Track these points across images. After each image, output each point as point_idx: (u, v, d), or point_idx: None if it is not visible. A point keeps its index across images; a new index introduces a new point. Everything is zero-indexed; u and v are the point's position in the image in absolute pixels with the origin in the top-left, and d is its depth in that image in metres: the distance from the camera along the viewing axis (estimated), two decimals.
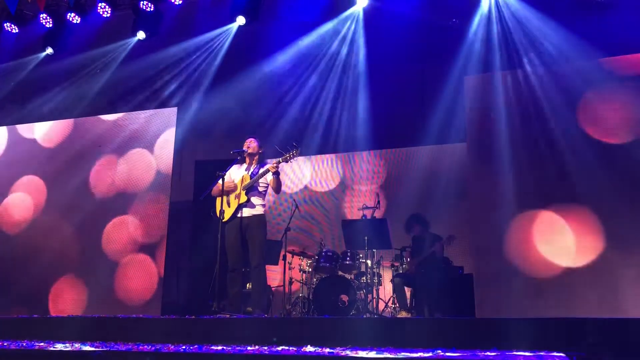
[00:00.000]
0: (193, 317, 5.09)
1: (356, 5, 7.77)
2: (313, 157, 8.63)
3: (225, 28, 8.24)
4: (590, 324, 3.92)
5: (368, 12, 7.84)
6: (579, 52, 6.32)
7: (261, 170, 5.63)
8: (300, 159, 8.28)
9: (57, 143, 8.40)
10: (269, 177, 5.61)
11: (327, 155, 8.65)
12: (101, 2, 7.93)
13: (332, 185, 8.57)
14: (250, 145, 5.80)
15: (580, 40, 6.36)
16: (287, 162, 5.62)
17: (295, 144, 5.57)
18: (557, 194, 6.11)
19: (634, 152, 5.87)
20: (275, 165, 5.51)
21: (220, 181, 5.62)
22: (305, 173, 8.68)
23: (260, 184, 5.69)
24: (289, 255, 7.32)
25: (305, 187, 8.66)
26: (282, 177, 5.76)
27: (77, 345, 4.40)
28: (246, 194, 5.60)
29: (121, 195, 7.88)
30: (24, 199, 8.37)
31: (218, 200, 5.72)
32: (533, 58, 6.71)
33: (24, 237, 8.21)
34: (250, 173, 5.69)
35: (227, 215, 5.62)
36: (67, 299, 7.72)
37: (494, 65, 6.94)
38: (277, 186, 5.63)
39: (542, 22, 6.83)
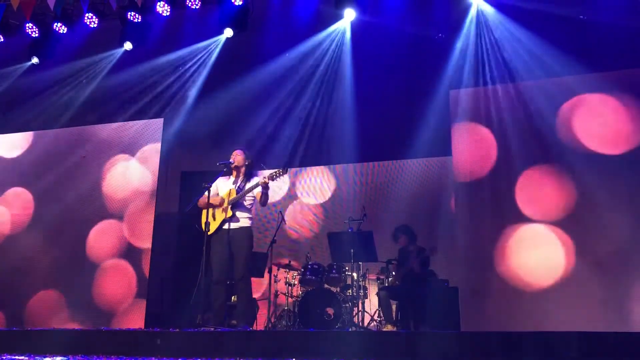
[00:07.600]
0: (177, 329, 5.04)
1: (344, 19, 7.83)
2: (299, 169, 8.63)
3: (213, 40, 8.26)
4: (580, 338, 3.94)
5: (355, 26, 7.89)
6: (565, 67, 6.41)
7: (248, 186, 5.62)
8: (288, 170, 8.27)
9: (41, 153, 8.31)
10: (257, 190, 5.60)
11: (314, 168, 8.66)
12: (88, 13, 7.88)
13: (319, 197, 8.57)
14: (237, 158, 5.79)
15: (565, 55, 6.45)
16: (272, 179, 5.61)
17: (285, 167, 5.58)
18: (546, 204, 6.16)
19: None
20: (266, 180, 5.50)
21: (206, 193, 5.59)
22: (291, 185, 8.67)
23: (247, 198, 5.68)
24: (274, 268, 7.29)
25: (292, 199, 8.65)
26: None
27: (58, 359, 4.34)
28: (231, 208, 5.59)
29: (106, 206, 7.81)
30: (3, 212, 8.28)
31: (204, 212, 5.68)
32: (518, 72, 6.79)
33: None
34: (237, 187, 5.67)
35: (212, 228, 5.59)
36: (46, 310, 7.62)
37: (480, 80, 7.02)
38: (264, 200, 5.63)
39: (527, 37, 6.92)
